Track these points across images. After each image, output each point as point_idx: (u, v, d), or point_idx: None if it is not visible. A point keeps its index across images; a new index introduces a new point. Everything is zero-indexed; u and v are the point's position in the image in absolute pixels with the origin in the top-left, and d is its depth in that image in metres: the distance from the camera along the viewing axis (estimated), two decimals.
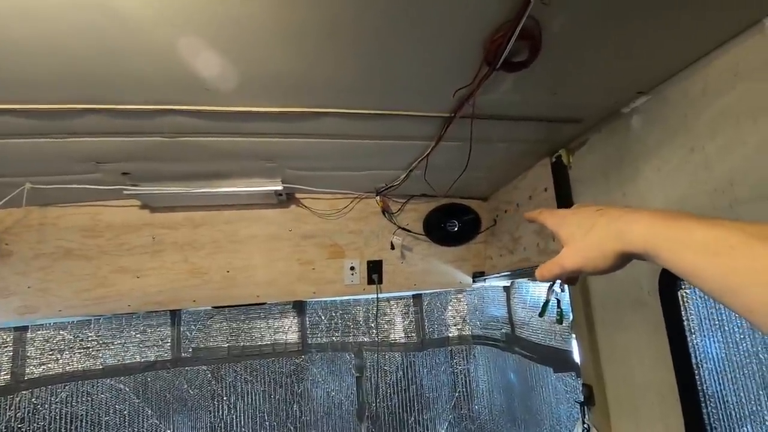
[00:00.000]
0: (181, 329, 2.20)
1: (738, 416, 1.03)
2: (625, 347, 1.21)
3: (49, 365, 2.03)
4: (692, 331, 1.07)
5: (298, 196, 1.89)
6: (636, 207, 1.10)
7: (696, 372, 1.04)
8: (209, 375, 2.27)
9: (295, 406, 2.34)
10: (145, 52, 0.82)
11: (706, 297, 1.04)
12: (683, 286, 1.07)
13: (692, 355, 1.05)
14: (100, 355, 2.10)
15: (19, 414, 1.99)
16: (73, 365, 2.06)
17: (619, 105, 1.15)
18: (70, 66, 0.84)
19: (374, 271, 1.95)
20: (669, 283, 1.06)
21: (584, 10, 0.77)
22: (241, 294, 1.82)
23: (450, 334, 2.58)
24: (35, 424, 2.00)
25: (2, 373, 1.96)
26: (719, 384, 1.05)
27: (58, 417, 2.04)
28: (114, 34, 0.76)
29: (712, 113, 0.90)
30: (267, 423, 2.29)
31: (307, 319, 2.36)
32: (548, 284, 0.78)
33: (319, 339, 2.37)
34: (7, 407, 1.98)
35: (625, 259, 0.48)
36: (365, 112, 1.13)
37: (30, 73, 0.86)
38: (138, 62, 0.85)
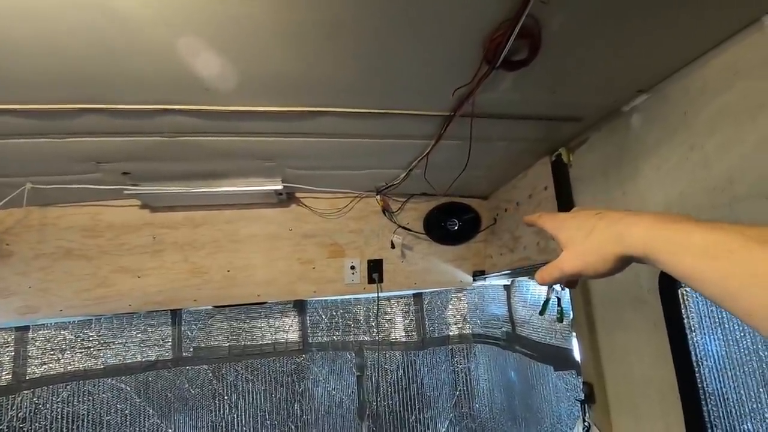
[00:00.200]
0: (182, 329, 2.20)
1: (738, 414, 1.03)
2: (626, 345, 1.21)
3: (51, 365, 2.04)
4: (692, 328, 1.07)
5: (298, 195, 1.89)
6: (636, 205, 1.12)
7: (696, 370, 1.04)
8: (210, 374, 2.28)
9: (296, 405, 2.35)
10: (144, 52, 0.82)
11: None
12: (683, 285, 1.06)
13: (692, 352, 1.05)
14: (102, 354, 2.10)
15: (21, 413, 2.00)
16: (74, 365, 2.06)
17: (619, 103, 1.15)
18: (69, 66, 0.84)
19: (375, 270, 1.95)
20: (669, 282, 1.06)
21: (583, 8, 0.77)
22: (242, 293, 1.82)
23: (450, 333, 2.59)
24: (37, 424, 2.01)
25: (4, 372, 1.97)
26: (719, 381, 1.06)
27: (59, 416, 2.04)
28: (113, 34, 0.76)
29: (712, 111, 0.90)
30: (268, 422, 2.30)
31: (307, 318, 2.36)
32: None
33: (319, 338, 2.37)
34: (9, 407, 1.99)
35: (624, 262, 0.48)
36: (365, 111, 1.13)
37: (30, 73, 0.86)
38: (138, 62, 0.85)
